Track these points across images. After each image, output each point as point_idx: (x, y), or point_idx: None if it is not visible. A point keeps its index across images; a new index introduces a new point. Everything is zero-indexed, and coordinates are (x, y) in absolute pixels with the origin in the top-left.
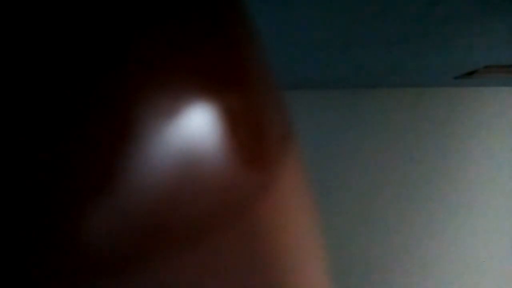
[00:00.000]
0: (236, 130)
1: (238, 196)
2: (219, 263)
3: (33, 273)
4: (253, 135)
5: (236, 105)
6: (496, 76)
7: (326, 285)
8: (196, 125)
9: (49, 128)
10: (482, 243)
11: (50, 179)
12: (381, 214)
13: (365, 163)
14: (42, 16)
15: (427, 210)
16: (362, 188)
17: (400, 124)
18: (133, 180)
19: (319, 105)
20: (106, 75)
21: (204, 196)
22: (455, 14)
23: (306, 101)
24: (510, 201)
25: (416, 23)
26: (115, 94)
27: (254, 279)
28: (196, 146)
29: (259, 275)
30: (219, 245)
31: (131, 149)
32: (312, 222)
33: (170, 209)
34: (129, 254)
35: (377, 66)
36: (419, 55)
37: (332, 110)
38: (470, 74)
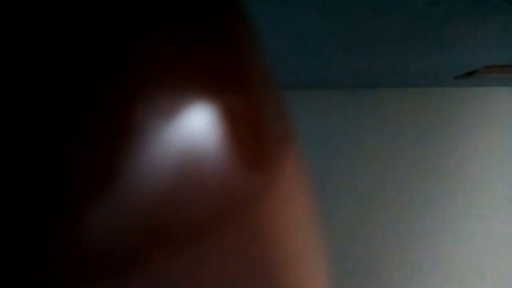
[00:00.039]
0: (236, 130)
1: (238, 196)
2: (219, 263)
3: (33, 273)
4: (253, 135)
5: (236, 105)
6: (496, 76)
7: (326, 285)
8: (196, 125)
9: (49, 128)
10: (482, 243)
11: (50, 179)
12: (381, 214)
13: (365, 163)
14: (42, 16)
15: (427, 210)
16: (362, 188)
17: (400, 124)
18: (133, 180)
19: (319, 105)
20: (106, 75)
21: (204, 196)
22: (455, 14)
23: (306, 101)
24: (511, 200)
25: (416, 23)
26: (115, 94)
27: (254, 278)
28: (196, 146)
29: (259, 275)
30: (219, 245)
31: (131, 149)
32: (312, 222)
33: (170, 209)
34: (129, 254)
35: (377, 66)
36: (419, 55)
37: (332, 110)
38: (470, 74)
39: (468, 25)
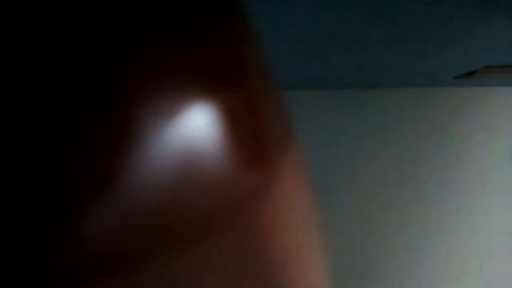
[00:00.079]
0: (236, 130)
1: (238, 196)
2: (219, 263)
3: (33, 273)
4: (253, 135)
5: (236, 105)
6: (496, 76)
7: (326, 285)
8: (196, 125)
9: (49, 128)
10: (482, 243)
11: (50, 179)
12: (381, 214)
13: (365, 163)
14: (43, 16)
15: (427, 210)
16: (362, 188)
17: (400, 124)
18: (133, 180)
19: (319, 105)
20: (106, 75)
21: (204, 196)
22: (455, 14)
23: (306, 101)
24: (510, 201)
25: (416, 23)
26: (115, 94)
27: (254, 279)
28: (196, 146)
29: (259, 275)
30: (219, 245)
31: (131, 149)
32: (312, 222)
33: (170, 209)
34: (129, 254)
35: (377, 66)
36: (419, 55)
37: (332, 110)
38: (470, 74)
39: (468, 25)
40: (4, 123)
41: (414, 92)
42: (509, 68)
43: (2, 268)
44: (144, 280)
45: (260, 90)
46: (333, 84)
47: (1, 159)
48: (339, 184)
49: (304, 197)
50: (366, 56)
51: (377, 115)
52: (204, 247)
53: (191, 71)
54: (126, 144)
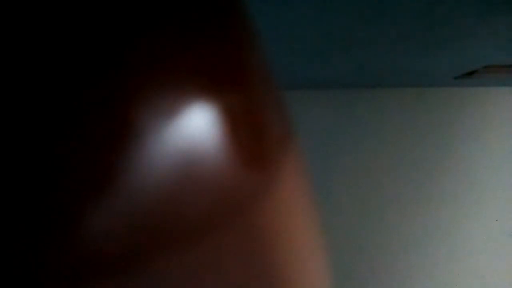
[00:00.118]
0: (236, 130)
1: (238, 196)
2: (219, 263)
3: (33, 273)
4: (253, 135)
5: (236, 105)
6: (496, 76)
7: (326, 285)
8: (196, 125)
9: (49, 128)
10: (482, 243)
11: (50, 179)
12: (381, 214)
13: (365, 163)
14: (43, 16)
15: (427, 210)
16: (362, 188)
17: (400, 124)
18: (133, 180)
19: (319, 105)
20: (106, 75)
21: (204, 196)
22: (455, 14)
23: (306, 101)
24: (510, 201)
25: (416, 23)
26: (115, 94)
27: (254, 279)
28: (196, 146)
29: (259, 275)
30: (219, 245)
31: (131, 149)
32: (312, 222)
33: (170, 209)
34: (129, 254)
35: (377, 66)
36: (419, 55)
37: (332, 110)
38: (470, 74)
39: (468, 25)
40: (4, 123)
41: (414, 92)
42: (509, 68)
43: (2, 268)
44: (144, 280)
45: (260, 90)
46: (333, 84)
47: (1, 159)
48: (339, 184)
49: (304, 197)
50: (366, 56)
51: (377, 115)
52: (204, 247)
53: (191, 71)
54: (126, 144)
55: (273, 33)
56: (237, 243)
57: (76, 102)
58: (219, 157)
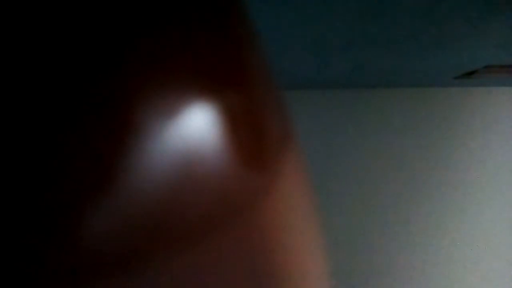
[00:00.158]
0: (236, 130)
1: (238, 196)
2: (219, 263)
3: (33, 273)
4: (253, 135)
5: (236, 105)
6: (496, 76)
7: (326, 285)
8: (196, 125)
9: (49, 128)
10: (482, 243)
11: (50, 179)
12: (381, 214)
13: (365, 163)
14: (43, 16)
15: (427, 210)
16: (362, 188)
17: (400, 124)
18: (133, 180)
19: (319, 105)
20: (106, 75)
21: (204, 196)
22: (455, 14)
23: (306, 101)
24: (511, 201)
25: (416, 23)
26: (115, 94)
27: (254, 279)
28: (196, 146)
29: (259, 275)
30: (219, 245)
31: (131, 149)
32: (312, 222)
33: (170, 209)
34: (129, 254)
35: (377, 66)
36: (419, 55)
37: (332, 110)
38: (470, 74)
39: (468, 25)
40: (4, 123)
41: (414, 92)
42: (509, 68)
43: (2, 268)
44: (144, 280)
45: (260, 90)
46: (333, 84)
47: (1, 159)
48: (339, 184)
49: (304, 197)
50: (366, 56)
51: (377, 115)
52: (204, 247)
53: (191, 71)
54: (126, 144)
55: (273, 33)
56: (237, 243)
57: (76, 102)
58: (219, 157)
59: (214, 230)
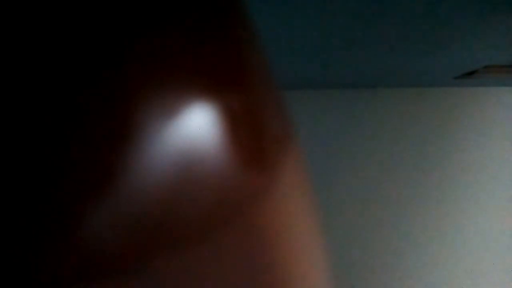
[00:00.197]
0: (236, 130)
1: (238, 196)
2: (219, 263)
3: (33, 273)
4: (253, 135)
5: (236, 105)
6: (496, 76)
7: (326, 284)
8: (196, 125)
9: (49, 128)
10: (483, 243)
11: (50, 179)
12: (381, 214)
13: (365, 163)
14: (42, 16)
15: (427, 210)
16: (362, 188)
17: (400, 124)
18: (133, 180)
19: (319, 105)
20: (106, 75)
21: (204, 196)
22: (455, 14)
23: (306, 101)
24: (510, 201)
25: (416, 24)
26: (115, 94)
27: (254, 278)
28: (196, 146)
29: (259, 274)
30: (219, 245)
31: (131, 149)
32: (312, 222)
33: (170, 209)
34: (129, 254)
35: (377, 66)
36: (419, 55)
37: (332, 110)
38: (470, 74)
39: (468, 25)
40: (4, 123)
41: (414, 92)
42: (509, 68)
43: (2, 269)
44: (144, 280)
45: (260, 90)
46: (333, 84)
47: (1, 159)
48: (339, 184)
49: (304, 197)
50: (366, 56)
51: (377, 115)
52: (204, 247)
53: (191, 71)
54: (126, 144)
55: (273, 33)
56: (237, 243)
57: (76, 102)
58: (219, 157)
59: (214, 230)
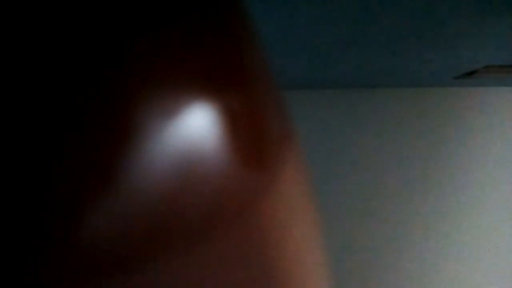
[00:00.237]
0: (236, 130)
1: (238, 196)
2: (219, 263)
3: (33, 273)
4: (253, 135)
5: (236, 105)
6: (496, 76)
7: (326, 284)
8: (196, 125)
9: (49, 128)
10: (482, 243)
11: (50, 179)
12: (381, 214)
13: (365, 163)
14: (43, 16)
15: (427, 210)
16: (362, 188)
17: (400, 124)
18: (133, 180)
19: (319, 105)
20: (106, 75)
21: (204, 196)
22: (455, 14)
23: (306, 101)
24: (510, 201)
25: (416, 24)
26: (115, 94)
27: (254, 279)
28: (196, 146)
29: (259, 275)
30: (219, 245)
31: (131, 149)
32: (312, 222)
33: (170, 209)
34: (129, 254)
35: (377, 66)
36: (419, 55)
37: (332, 110)
38: (470, 74)
39: (468, 25)
40: (4, 123)
41: (414, 92)
42: (509, 68)
43: (2, 269)
44: (144, 280)
45: (260, 90)
46: (333, 84)
47: (1, 159)
48: (339, 184)
49: (304, 197)
50: (366, 56)
51: (377, 115)
52: (204, 247)
53: (191, 71)
54: (126, 144)
55: (273, 33)
56: (237, 243)
57: (76, 102)
58: (219, 157)
59: (214, 230)
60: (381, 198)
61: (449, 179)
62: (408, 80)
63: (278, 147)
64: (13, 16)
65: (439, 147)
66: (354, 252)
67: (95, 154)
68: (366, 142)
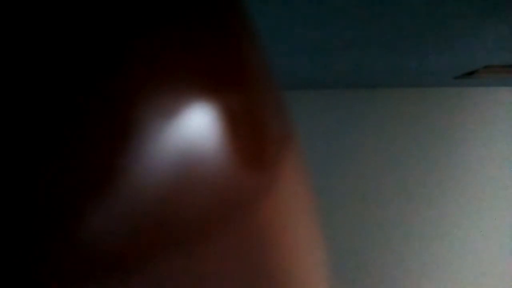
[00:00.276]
0: (236, 130)
1: (238, 196)
2: (219, 263)
3: (33, 273)
4: (253, 135)
5: (236, 105)
6: (496, 76)
7: (325, 285)
8: (196, 125)
9: (49, 128)
10: (482, 243)
11: (50, 179)
12: (381, 214)
13: (365, 163)
14: (43, 16)
15: (427, 210)
16: (362, 188)
17: (400, 124)
18: (133, 180)
19: (319, 105)
20: (106, 75)
21: (204, 196)
22: (455, 14)
23: (306, 101)
24: (510, 201)
25: (416, 24)
26: (115, 94)
27: (254, 278)
28: (196, 146)
29: (259, 274)
30: (219, 245)
31: (131, 149)
32: (312, 222)
33: (170, 209)
34: (129, 254)
35: (377, 66)
36: (419, 55)
37: (332, 110)
38: (470, 74)
39: (468, 25)
40: (4, 124)
41: (414, 92)
42: (509, 68)
43: (2, 268)
44: (144, 280)
45: (260, 90)
46: (333, 84)
47: (1, 159)
48: (339, 184)
49: (304, 197)
50: (366, 56)
51: (377, 115)
52: (204, 247)
53: (191, 71)
54: (126, 144)
55: (273, 33)
56: (237, 243)
57: (76, 102)
58: (219, 157)
59: (214, 230)
60: (380, 197)
61: (449, 178)
62: (408, 80)
63: (278, 147)
64: (14, 16)
65: (439, 146)
66: (354, 252)
67: (95, 154)
68: (366, 142)
